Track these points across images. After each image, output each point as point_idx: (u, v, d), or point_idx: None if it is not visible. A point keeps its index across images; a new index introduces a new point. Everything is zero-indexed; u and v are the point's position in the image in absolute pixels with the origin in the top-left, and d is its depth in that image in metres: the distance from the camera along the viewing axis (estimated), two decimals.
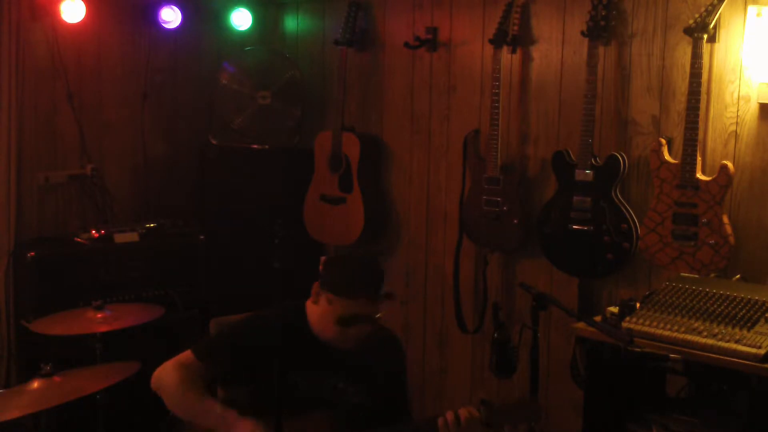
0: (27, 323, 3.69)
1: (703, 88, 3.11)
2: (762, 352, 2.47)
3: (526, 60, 3.75)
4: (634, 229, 3.33)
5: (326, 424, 2.45)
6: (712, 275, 3.06)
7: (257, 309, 2.65)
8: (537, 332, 2.54)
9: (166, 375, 2.46)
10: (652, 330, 2.67)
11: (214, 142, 4.54)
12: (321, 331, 2.50)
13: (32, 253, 3.87)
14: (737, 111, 3.14)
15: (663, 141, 3.21)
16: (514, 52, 3.73)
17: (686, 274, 3.05)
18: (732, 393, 2.71)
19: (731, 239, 3.06)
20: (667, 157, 3.18)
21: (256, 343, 2.46)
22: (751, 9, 3.08)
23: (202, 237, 4.32)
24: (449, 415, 2.32)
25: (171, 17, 4.51)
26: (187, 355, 2.50)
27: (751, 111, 3.12)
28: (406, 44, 4.11)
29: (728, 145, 3.17)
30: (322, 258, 2.56)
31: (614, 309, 2.89)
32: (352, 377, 2.52)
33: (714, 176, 3.08)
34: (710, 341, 2.57)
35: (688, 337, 2.61)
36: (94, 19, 4.28)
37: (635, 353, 2.38)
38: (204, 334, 3.01)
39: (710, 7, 3.06)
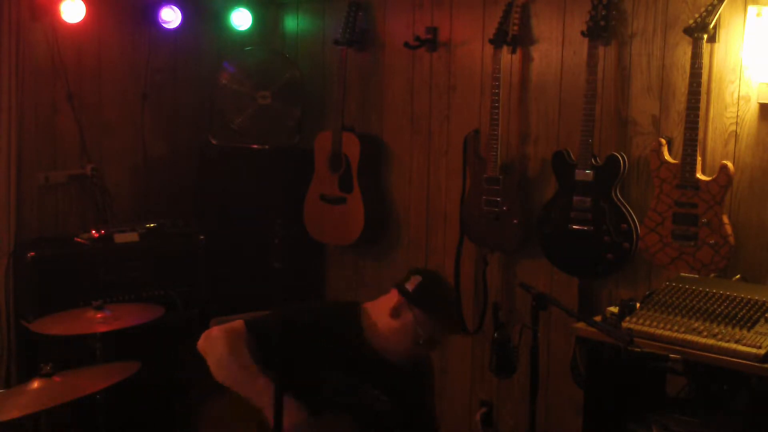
0: (27, 323, 3.69)
1: (703, 88, 3.11)
2: (762, 352, 2.47)
3: (526, 60, 3.75)
4: (634, 229, 3.33)
5: (348, 425, 2.45)
6: (712, 275, 3.06)
7: (257, 309, 2.63)
8: (537, 332, 2.54)
9: (214, 339, 2.43)
10: (652, 330, 2.67)
11: (214, 142, 4.54)
12: (385, 342, 2.50)
13: (32, 253, 3.87)
14: (737, 111, 3.14)
15: (663, 141, 3.20)
16: (514, 52, 3.73)
17: (686, 274, 3.05)
18: (732, 393, 2.70)
19: (731, 239, 3.06)
20: (667, 157, 3.18)
21: (309, 334, 2.43)
22: (751, 9, 3.07)
23: (202, 237, 4.32)
24: None
25: (171, 17, 4.51)
26: (238, 324, 2.47)
27: (751, 111, 3.12)
28: (406, 44, 4.11)
29: (728, 145, 3.17)
30: (416, 277, 2.53)
31: (614, 309, 2.89)
32: (385, 386, 2.53)
33: (714, 176, 3.07)
34: (710, 341, 2.56)
35: (688, 337, 2.61)
36: (94, 19, 4.28)
37: (635, 353, 2.38)
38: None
39: (710, 7, 3.06)
